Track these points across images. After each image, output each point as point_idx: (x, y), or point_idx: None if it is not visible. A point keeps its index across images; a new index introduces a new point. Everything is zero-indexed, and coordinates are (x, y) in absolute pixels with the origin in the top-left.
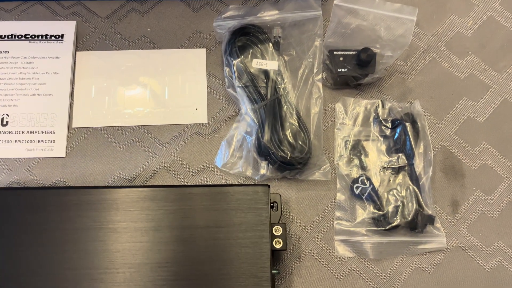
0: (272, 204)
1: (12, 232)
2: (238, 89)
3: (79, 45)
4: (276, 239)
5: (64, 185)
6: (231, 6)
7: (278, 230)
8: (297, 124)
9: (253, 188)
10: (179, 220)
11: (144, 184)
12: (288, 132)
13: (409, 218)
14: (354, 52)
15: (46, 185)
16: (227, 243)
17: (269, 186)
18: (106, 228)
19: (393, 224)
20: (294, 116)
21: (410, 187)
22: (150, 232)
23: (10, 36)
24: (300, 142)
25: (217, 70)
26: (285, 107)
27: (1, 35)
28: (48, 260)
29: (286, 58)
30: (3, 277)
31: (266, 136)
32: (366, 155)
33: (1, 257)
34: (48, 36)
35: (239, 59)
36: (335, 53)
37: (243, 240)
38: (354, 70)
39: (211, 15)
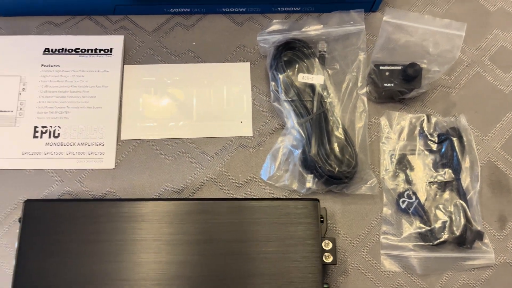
0: (321, 219)
1: (68, 243)
2: (285, 103)
3: (126, 59)
4: (325, 253)
5: (115, 197)
6: (275, 21)
7: (327, 244)
8: (343, 138)
9: (302, 202)
10: (230, 233)
11: (192, 196)
12: (335, 146)
13: (458, 234)
14: (400, 67)
15: (97, 196)
16: (277, 256)
17: (318, 201)
18: (159, 240)
19: (441, 240)
20: (340, 130)
21: (458, 202)
22: (201, 244)
23: (60, 50)
24: (347, 156)
25: (261, 83)
26: (331, 121)
27: (52, 49)
28: (102, 271)
29: (329, 72)
30: (60, 284)
31: (313, 150)
32: (412, 169)
33: (56, 267)
34: (98, 50)
35: (285, 73)
36: (381, 67)
37: (293, 254)
38: (400, 85)
39: (254, 30)
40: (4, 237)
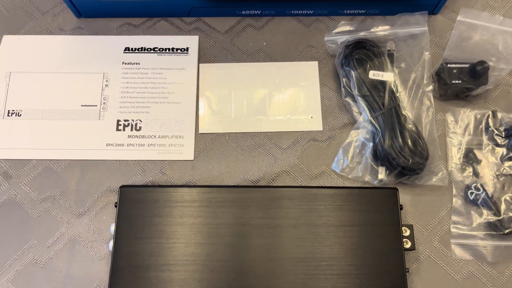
0: (401, 206)
1: (160, 225)
2: (359, 99)
3: (201, 58)
4: (404, 239)
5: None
6: (342, 22)
7: (405, 231)
8: (415, 131)
9: (382, 191)
10: (314, 218)
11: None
12: (407, 139)
13: None
14: (467, 65)
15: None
16: (360, 241)
17: (397, 190)
18: (248, 224)
19: (511, 229)
20: (411, 124)
21: None
22: (288, 228)
23: (140, 49)
24: (419, 148)
25: (329, 81)
26: (402, 115)
27: (132, 48)
28: (193, 252)
29: (396, 70)
30: (156, 266)
31: (387, 143)
32: (479, 163)
33: (150, 247)
34: (175, 49)
35: (358, 70)
36: (449, 65)
37: (375, 240)
38: (468, 82)
39: (321, 31)
40: (91, 223)
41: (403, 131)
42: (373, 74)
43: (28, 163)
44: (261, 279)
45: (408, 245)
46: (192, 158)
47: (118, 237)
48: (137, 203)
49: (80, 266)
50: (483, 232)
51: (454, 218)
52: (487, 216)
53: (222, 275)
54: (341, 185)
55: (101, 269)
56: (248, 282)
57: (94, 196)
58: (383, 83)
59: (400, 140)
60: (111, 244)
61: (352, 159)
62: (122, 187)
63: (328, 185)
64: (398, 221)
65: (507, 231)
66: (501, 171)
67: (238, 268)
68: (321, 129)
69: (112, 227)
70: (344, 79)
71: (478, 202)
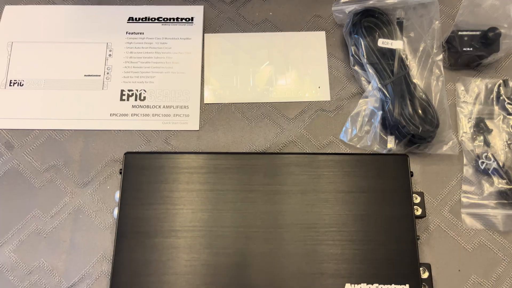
0: (411, 173)
1: (165, 191)
2: (368, 66)
3: (206, 28)
4: (415, 206)
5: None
6: None
7: (416, 198)
8: (425, 99)
9: (393, 157)
10: (323, 185)
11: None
12: (417, 107)
13: None
14: (478, 32)
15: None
16: (370, 208)
17: (408, 156)
18: (255, 191)
19: None
20: (421, 92)
21: None
22: (297, 195)
23: (144, 19)
24: (429, 116)
25: (336, 51)
26: (412, 83)
27: (136, 18)
28: (198, 218)
29: (405, 39)
30: (162, 232)
31: (396, 111)
32: (489, 132)
33: (155, 213)
34: (179, 19)
35: (367, 38)
36: (459, 33)
37: (386, 206)
38: (479, 49)
39: (328, 0)
40: (95, 193)
41: (413, 99)
42: (382, 42)
43: (30, 133)
44: (268, 245)
45: (418, 212)
46: (198, 129)
47: (123, 203)
48: (142, 170)
49: (85, 235)
50: (494, 201)
51: (464, 187)
52: (498, 185)
53: (228, 241)
54: (350, 152)
55: (106, 238)
56: (255, 248)
57: (98, 166)
58: (392, 51)
59: (410, 108)
60: (115, 211)
61: (360, 128)
62: (127, 153)
63: (336, 152)
64: (408, 188)
65: None
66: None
67: (245, 234)
68: (328, 99)
69: (117, 195)
70: (352, 48)
71: (489, 172)
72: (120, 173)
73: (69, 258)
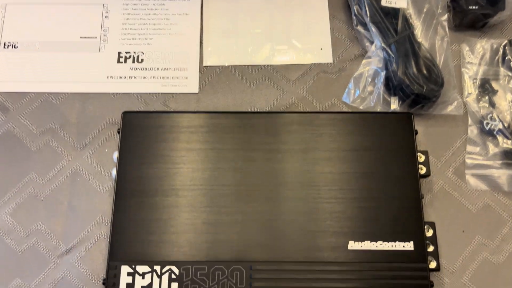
0: (416, 131)
1: (164, 150)
2: (371, 26)
3: None
4: (419, 165)
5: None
6: None
7: (420, 157)
8: (429, 58)
9: (397, 115)
10: (325, 143)
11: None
12: (421, 66)
13: None
14: None
15: None
16: (374, 166)
17: (412, 114)
18: (256, 150)
19: None
20: (426, 51)
21: None
22: (298, 153)
23: None
24: (433, 75)
25: (339, 13)
26: (416, 42)
27: None
28: (204, 177)
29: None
30: (162, 191)
31: (401, 70)
32: (495, 93)
33: (153, 172)
34: None
35: None
36: None
37: (389, 165)
38: (485, 7)
39: None
40: (93, 156)
41: (417, 58)
42: (386, 1)
43: (26, 96)
44: (269, 203)
45: (423, 171)
46: (197, 91)
47: (121, 163)
48: (141, 129)
49: (83, 198)
50: (499, 161)
51: (469, 148)
52: (502, 145)
53: (229, 199)
54: (354, 110)
55: (105, 201)
56: (256, 206)
57: (95, 129)
58: (396, 10)
59: (414, 67)
60: (114, 171)
61: (363, 89)
62: (125, 112)
63: (338, 110)
64: (413, 146)
65: None
66: None
67: (246, 192)
68: (331, 61)
69: (115, 155)
70: (355, 7)
71: (494, 132)
72: (118, 132)
73: (67, 221)
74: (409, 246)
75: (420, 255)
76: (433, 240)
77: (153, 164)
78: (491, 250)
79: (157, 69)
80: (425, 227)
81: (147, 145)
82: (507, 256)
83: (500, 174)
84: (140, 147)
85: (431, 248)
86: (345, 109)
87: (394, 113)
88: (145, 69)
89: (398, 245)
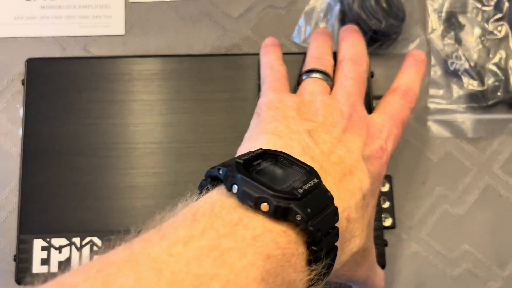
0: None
1: (76, 103)
2: None
3: None
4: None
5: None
6: None
7: (377, 104)
8: None
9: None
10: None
11: None
12: None
13: None
14: None
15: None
16: None
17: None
18: (190, 100)
19: (495, 100)
20: None
21: None
22: (239, 102)
23: None
24: (394, 9)
25: None
26: None
27: None
28: (129, 135)
29: None
30: (79, 151)
31: (357, 3)
32: (462, 28)
33: (64, 128)
34: None
35: None
36: None
37: None
38: None
39: None
40: (2, 113)
41: None
42: None
43: None
44: (206, 162)
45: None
46: (123, 33)
47: (28, 119)
48: (51, 79)
49: None
50: (464, 105)
51: (432, 91)
52: (468, 86)
53: (158, 159)
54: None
55: (19, 166)
56: (191, 166)
57: (2, 81)
58: None
59: None
60: (21, 130)
61: (315, 26)
62: (29, 60)
63: (288, 51)
64: (367, 91)
65: (490, 102)
66: (486, 36)
67: (178, 150)
68: None
69: (21, 111)
70: None
71: (459, 73)
72: (23, 84)
73: None
74: None
75: None
76: (389, 195)
77: (67, 119)
78: (452, 201)
79: (74, 7)
80: None
81: (58, 97)
82: (468, 208)
83: (464, 119)
84: (50, 100)
85: (386, 204)
86: (295, 49)
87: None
88: (59, 7)
89: None
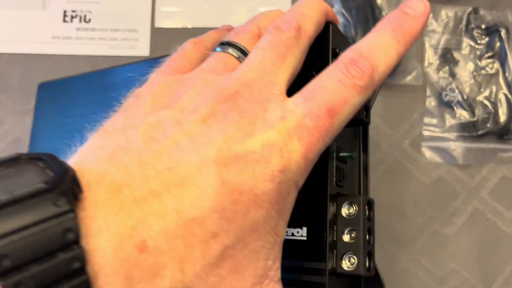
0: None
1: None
2: None
3: None
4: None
5: None
6: None
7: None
8: None
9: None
10: None
11: None
12: None
13: (502, 124)
14: None
15: None
16: None
17: (331, 23)
18: None
19: (484, 130)
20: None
21: (502, 93)
22: None
23: None
24: None
25: None
26: (377, 8)
27: None
28: None
29: None
30: None
31: (360, 36)
32: (456, 64)
33: None
34: None
35: None
36: None
37: None
38: None
39: None
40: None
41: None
42: None
43: None
44: None
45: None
46: (148, 54)
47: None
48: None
49: None
50: (456, 134)
51: (426, 120)
52: (460, 117)
53: None
54: None
55: None
56: None
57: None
58: None
59: None
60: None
61: None
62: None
63: None
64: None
65: (480, 132)
66: (478, 71)
67: None
68: None
69: None
70: None
71: (452, 104)
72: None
73: None
74: None
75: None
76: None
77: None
78: (441, 222)
79: (105, 29)
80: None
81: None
82: (457, 230)
83: (456, 146)
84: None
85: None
86: None
87: None
88: (92, 29)
89: None
